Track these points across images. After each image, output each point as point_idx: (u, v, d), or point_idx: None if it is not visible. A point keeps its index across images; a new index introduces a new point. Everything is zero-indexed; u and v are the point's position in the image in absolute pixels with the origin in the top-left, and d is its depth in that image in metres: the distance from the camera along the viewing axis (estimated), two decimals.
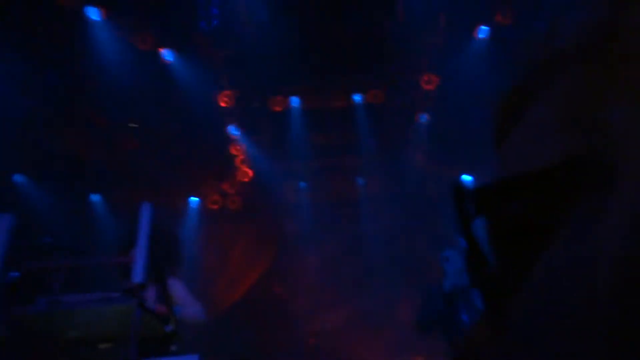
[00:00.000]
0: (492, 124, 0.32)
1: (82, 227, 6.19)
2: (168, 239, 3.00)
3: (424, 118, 6.69)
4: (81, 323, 2.30)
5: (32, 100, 5.48)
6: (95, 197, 6.94)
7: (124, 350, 2.06)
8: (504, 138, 0.30)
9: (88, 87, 5.79)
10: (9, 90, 5.19)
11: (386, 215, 7.15)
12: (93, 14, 5.41)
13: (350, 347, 6.61)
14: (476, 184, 0.28)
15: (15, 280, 2.15)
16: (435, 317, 3.17)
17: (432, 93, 6.41)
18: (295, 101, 6.56)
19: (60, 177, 6.11)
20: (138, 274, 2.13)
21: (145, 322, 2.22)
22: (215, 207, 7.33)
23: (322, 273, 7.15)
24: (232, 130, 6.82)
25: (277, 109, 6.64)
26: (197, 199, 7.43)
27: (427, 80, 6.29)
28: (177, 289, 2.97)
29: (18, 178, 6.29)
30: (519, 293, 0.24)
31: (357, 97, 6.51)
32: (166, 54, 5.90)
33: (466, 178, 7.51)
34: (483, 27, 5.79)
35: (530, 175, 0.24)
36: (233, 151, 7.00)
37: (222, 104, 6.46)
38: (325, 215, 7.56)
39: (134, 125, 6.28)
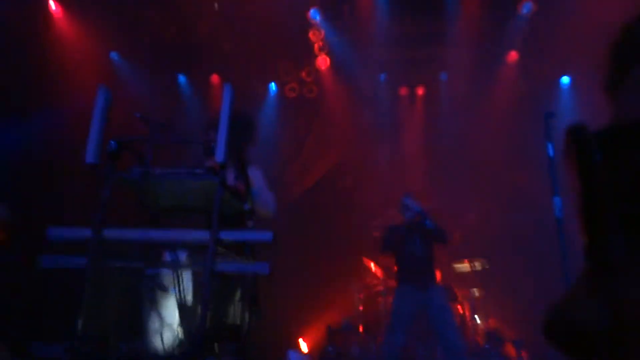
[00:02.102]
0: (612, 59, 0.25)
1: (169, 105, 6.53)
2: (246, 122, 3.10)
3: (527, 7, 5.93)
4: (169, 193, 2.50)
5: None
6: (181, 78, 7.19)
7: (207, 221, 2.23)
8: (627, 75, 0.24)
9: None
10: None
11: (468, 116, 6.78)
12: None
13: None
14: (605, 128, 0.22)
15: (114, 148, 2.34)
16: (392, 245, 4.03)
17: None
18: None
19: (149, 57, 6.33)
20: (220, 153, 2.22)
21: (226, 199, 2.37)
22: (292, 94, 7.34)
23: (393, 168, 7.15)
24: (313, 14, 6.51)
25: None
26: (275, 85, 7.45)
27: None
28: (256, 176, 3.10)
29: (114, 55, 6.60)
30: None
31: None
32: None
33: (565, 80, 6.80)
34: None
35: None
36: (312, 37, 6.76)
37: None
38: (403, 110, 7.33)
39: (216, 5, 6.17)
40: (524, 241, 5.68)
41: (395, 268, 4.10)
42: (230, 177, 2.86)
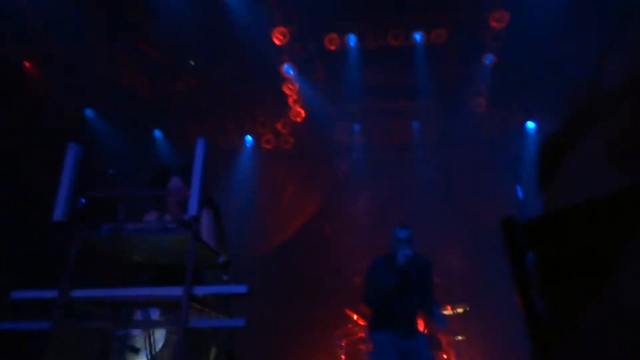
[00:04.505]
0: (540, 161, 0.31)
1: (144, 160, 6.50)
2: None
3: (489, 59, 6.27)
4: (141, 249, 2.46)
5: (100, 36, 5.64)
6: (157, 133, 7.22)
7: (181, 275, 2.19)
8: (553, 174, 0.29)
9: (147, 25, 5.85)
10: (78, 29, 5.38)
11: (441, 162, 6.96)
12: None
13: None
14: (528, 218, 0.27)
15: (83, 206, 2.31)
16: (387, 287, 3.65)
17: (500, 32, 5.94)
18: (352, 39, 6.32)
19: (124, 112, 6.37)
20: (194, 207, 2.21)
21: (200, 253, 2.33)
22: (268, 146, 7.43)
23: (370, 216, 7.18)
24: (287, 69, 6.73)
25: (333, 47, 6.43)
26: (251, 138, 7.55)
27: (497, 18, 5.81)
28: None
29: (89, 112, 6.61)
30: (571, 337, 0.24)
31: (417, 36, 6.16)
32: None
33: (530, 125, 7.09)
34: None
35: (585, 207, 0.23)
36: (287, 90, 6.95)
37: (277, 42, 6.34)
38: (378, 159, 7.48)
39: (192, 62, 6.34)
40: (502, 283, 5.70)
41: (372, 312, 3.83)
42: (204, 232, 2.82)
